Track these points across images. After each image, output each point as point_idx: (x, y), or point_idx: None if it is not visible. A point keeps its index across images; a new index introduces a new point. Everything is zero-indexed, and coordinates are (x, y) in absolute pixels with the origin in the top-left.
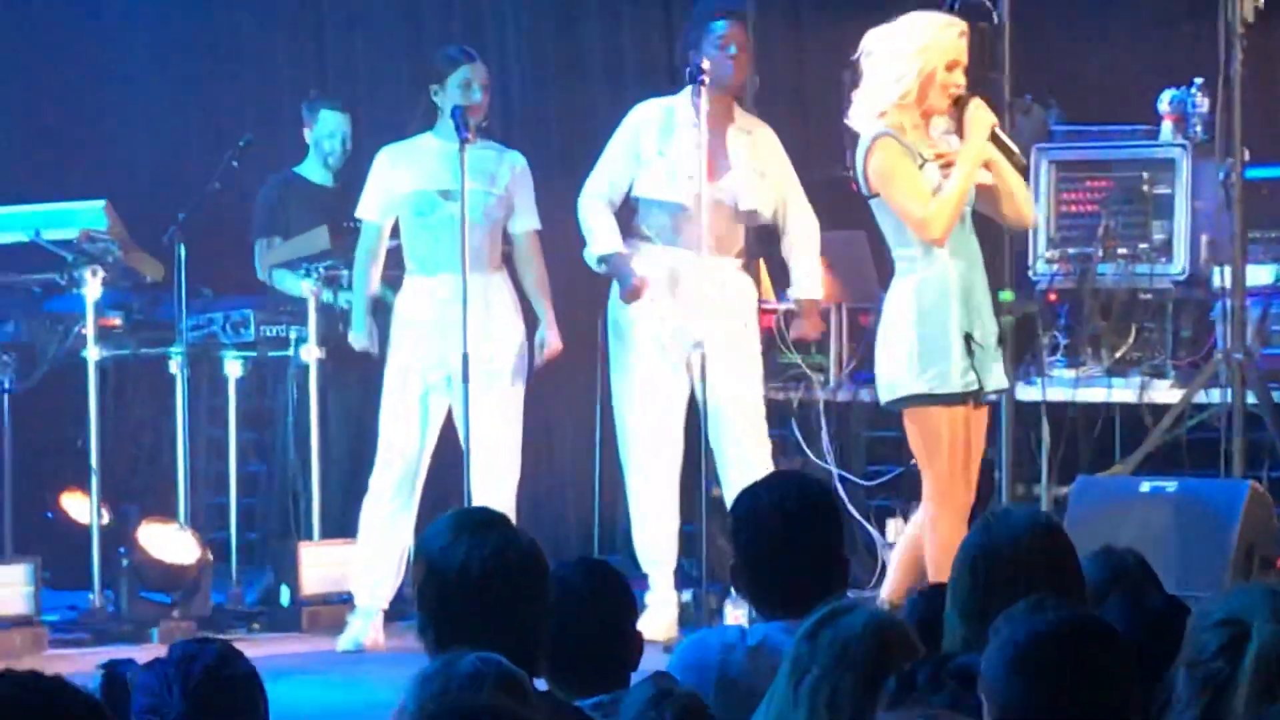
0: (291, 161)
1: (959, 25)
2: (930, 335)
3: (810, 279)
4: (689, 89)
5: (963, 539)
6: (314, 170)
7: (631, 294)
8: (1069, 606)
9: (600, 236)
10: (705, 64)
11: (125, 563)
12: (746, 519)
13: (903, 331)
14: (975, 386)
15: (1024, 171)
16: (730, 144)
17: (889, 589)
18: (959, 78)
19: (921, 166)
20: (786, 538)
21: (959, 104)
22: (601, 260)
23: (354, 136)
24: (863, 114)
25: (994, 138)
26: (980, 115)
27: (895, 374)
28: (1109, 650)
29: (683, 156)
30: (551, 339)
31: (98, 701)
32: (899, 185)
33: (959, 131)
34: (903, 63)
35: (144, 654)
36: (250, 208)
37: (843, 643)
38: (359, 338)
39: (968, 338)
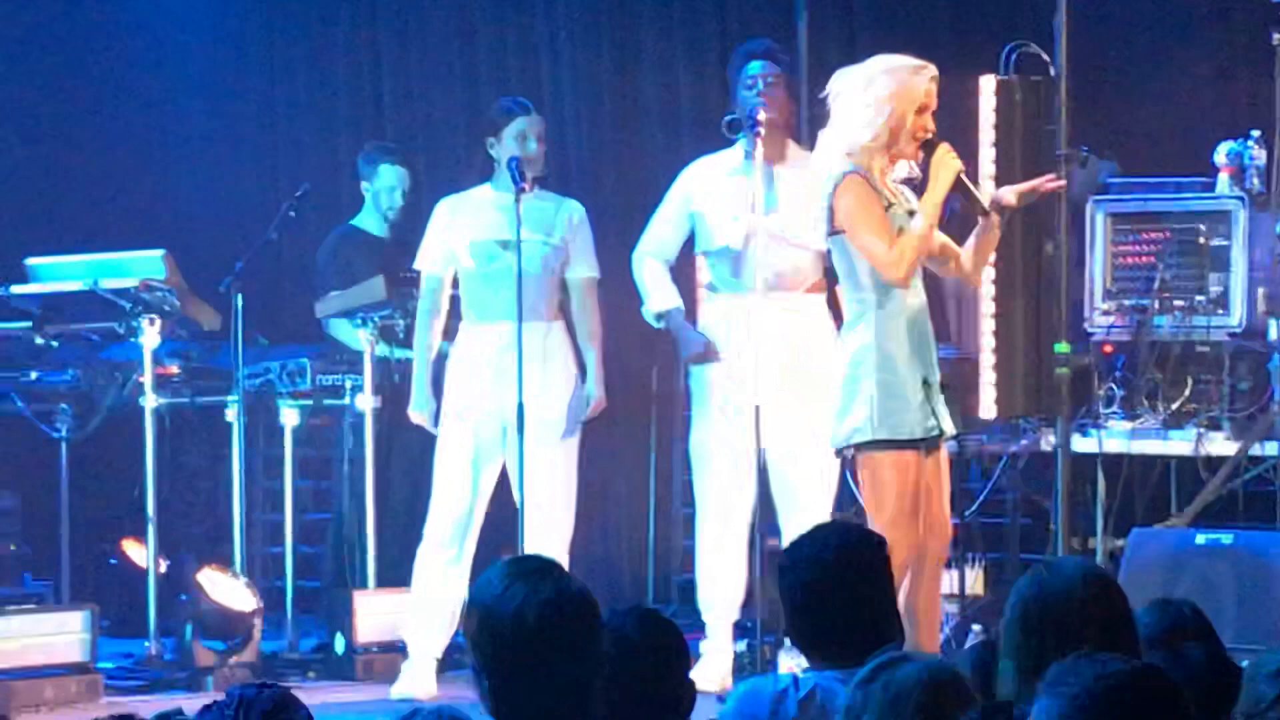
0: (349, 212)
1: (930, 70)
2: (889, 381)
3: None
4: (741, 140)
5: (1015, 587)
6: (371, 222)
7: (696, 358)
8: (1128, 660)
9: (655, 293)
10: (761, 114)
11: (190, 608)
12: (794, 569)
13: (862, 378)
14: (936, 431)
15: (985, 215)
16: (780, 180)
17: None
18: (928, 122)
19: (888, 209)
20: (834, 588)
21: (926, 148)
22: (659, 317)
23: (412, 188)
24: (830, 154)
25: (959, 184)
26: (947, 160)
27: (854, 420)
28: (1173, 704)
29: (730, 201)
30: (597, 393)
31: None
32: (865, 224)
33: (924, 173)
34: (873, 109)
35: (199, 702)
36: (308, 258)
37: (895, 693)
38: (419, 414)
39: (925, 383)
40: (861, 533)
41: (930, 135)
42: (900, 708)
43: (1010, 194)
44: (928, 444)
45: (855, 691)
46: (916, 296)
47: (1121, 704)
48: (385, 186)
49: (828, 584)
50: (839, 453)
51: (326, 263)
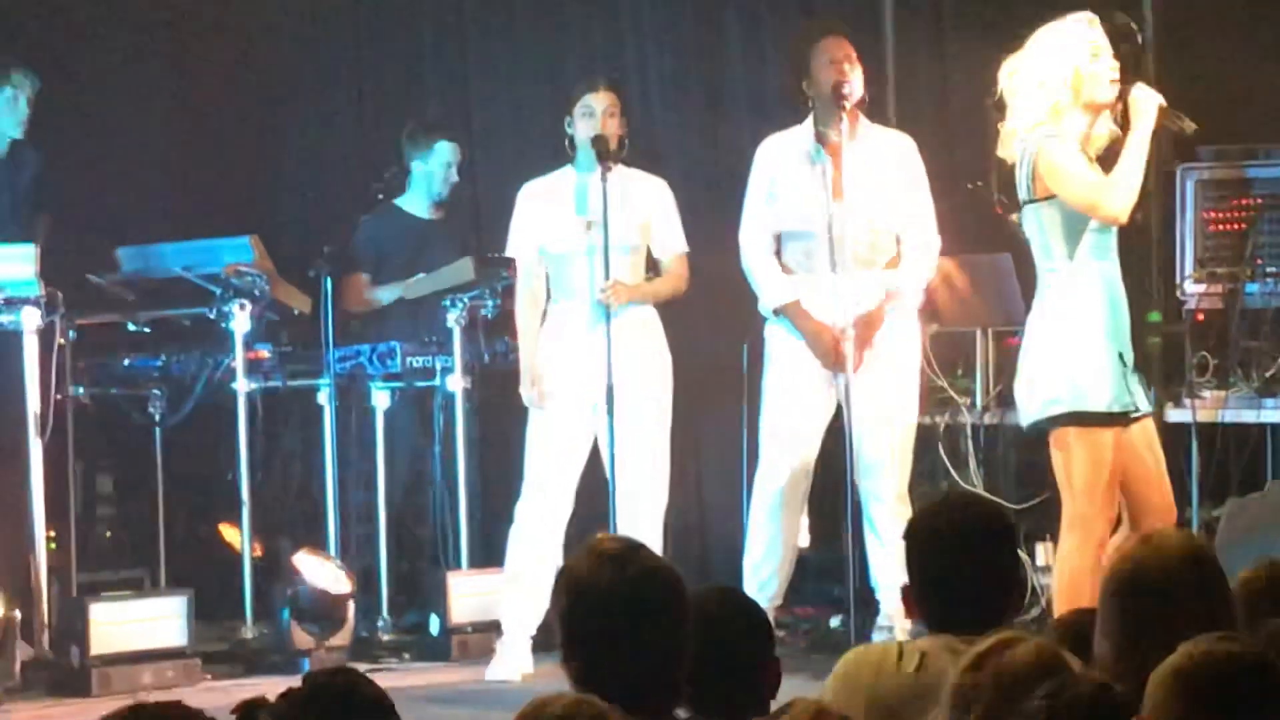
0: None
1: (1085, 15)
2: (1082, 354)
3: (903, 279)
4: (810, 116)
5: (1111, 565)
6: (415, 203)
7: (829, 355)
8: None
9: (769, 289)
10: (845, 87)
11: (288, 591)
12: (925, 540)
13: (1052, 349)
14: (1131, 407)
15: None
16: (853, 160)
17: None
18: (1109, 61)
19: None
20: (961, 559)
21: (1121, 94)
22: (777, 313)
23: (500, 169)
24: (1017, 134)
25: (1165, 114)
26: (1144, 95)
27: (1044, 393)
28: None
29: (809, 182)
30: (616, 290)
31: None
32: (1069, 172)
33: (1124, 121)
34: (1036, 77)
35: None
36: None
37: (1010, 674)
38: (526, 395)
39: (1120, 357)
40: (989, 506)
41: (1116, 75)
42: (1012, 691)
43: None
44: (1123, 420)
45: (966, 675)
46: (1112, 266)
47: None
48: (441, 163)
49: (955, 555)
50: (1031, 427)
51: (364, 242)
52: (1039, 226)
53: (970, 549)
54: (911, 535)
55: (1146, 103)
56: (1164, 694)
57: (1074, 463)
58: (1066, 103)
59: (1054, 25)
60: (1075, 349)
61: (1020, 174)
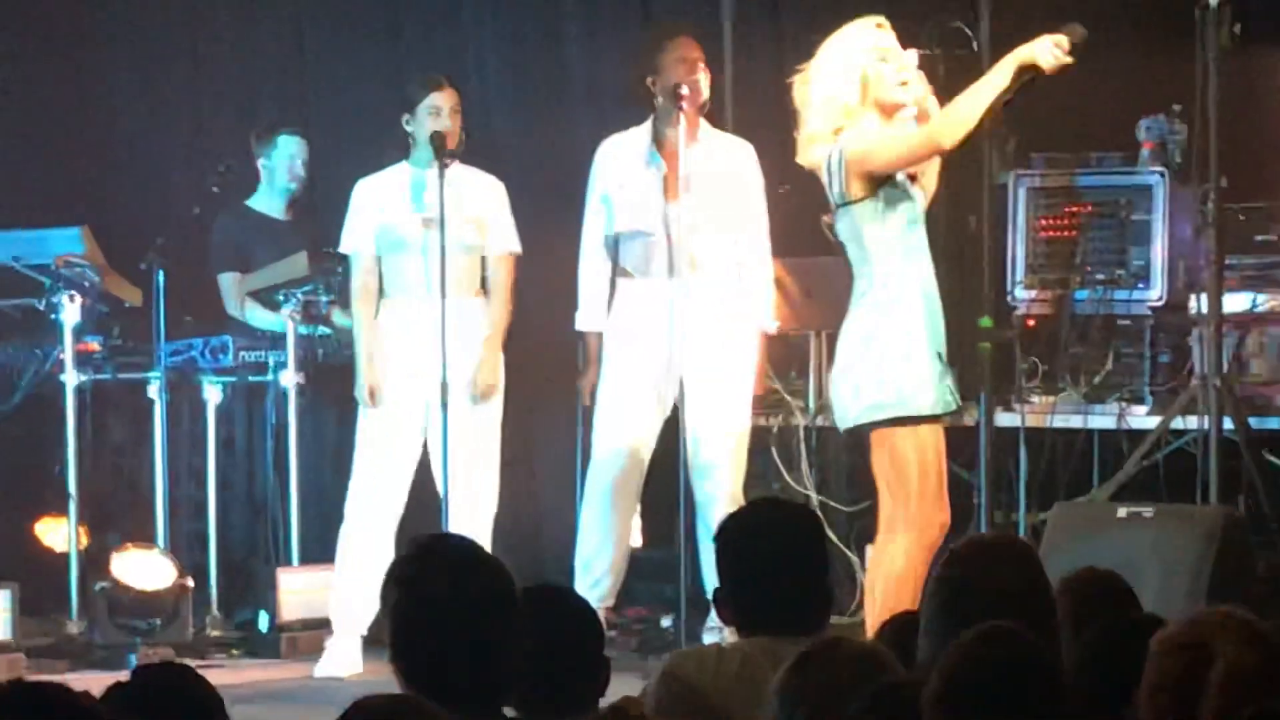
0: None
1: (870, 20)
2: (904, 358)
3: (762, 314)
4: (651, 118)
5: (936, 566)
6: (266, 201)
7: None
8: (1013, 643)
9: (582, 308)
10: (684, 88)
11: (98, 586)
12: (734, 542)
13: (870, 352)
14: (953, 407)
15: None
16: (690, 163)
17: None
18: (900, 63)
19: None
20: (773, 560)
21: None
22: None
23: (338, 167)
24: (815, 142)
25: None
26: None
27: (868, 397)
28: (1047, 691)
29: (644, 184)
30: (482, 376)
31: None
32: (884, 139)
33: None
34: (832, 82)
35: (121, 679)
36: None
37: (835, 676)
38: (360, 394)
39: (938, 356)
40: (798, 507)
41: (908, 75)
42: (838, 692)
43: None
44: (943, 419)
45: (790, 676)
46: (926, 267)
47: (992, 689)
48: (285, 157)
49: (767, 556)
50: (852, 431)
51: (225, 242)
52: (852, 229)
53: (777, 551)
54: (720, 538)
55: (1011, 57)
56: (935, 693)
57: (905, 465)
58: (855, 104)
59: (840, 32)
60: (897, 352)
61: (830, 178)
